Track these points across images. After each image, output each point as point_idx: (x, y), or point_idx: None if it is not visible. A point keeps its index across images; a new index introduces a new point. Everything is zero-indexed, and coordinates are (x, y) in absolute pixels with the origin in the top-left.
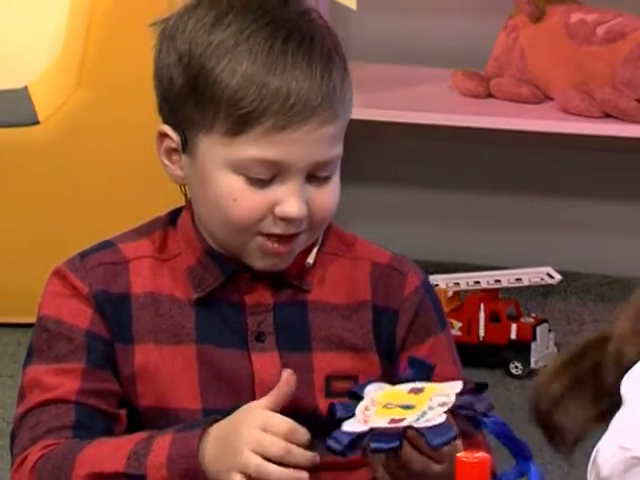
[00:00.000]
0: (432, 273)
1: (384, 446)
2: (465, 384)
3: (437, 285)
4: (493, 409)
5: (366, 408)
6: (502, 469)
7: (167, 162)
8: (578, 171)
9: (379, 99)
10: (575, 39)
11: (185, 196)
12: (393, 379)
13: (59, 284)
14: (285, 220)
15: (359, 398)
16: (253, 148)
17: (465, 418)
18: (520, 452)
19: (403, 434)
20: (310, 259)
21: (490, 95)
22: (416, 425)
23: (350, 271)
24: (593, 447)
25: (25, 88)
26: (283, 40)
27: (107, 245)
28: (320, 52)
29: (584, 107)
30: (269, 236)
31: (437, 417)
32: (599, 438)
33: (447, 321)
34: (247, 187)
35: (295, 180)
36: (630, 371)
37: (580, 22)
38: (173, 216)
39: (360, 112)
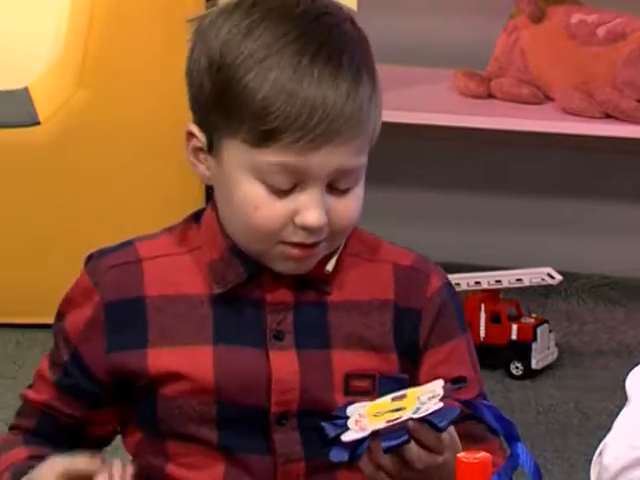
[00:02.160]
0: None
1: (394, 443)
2: (445, 381)
3: None
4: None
5: (357, 421)
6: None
7: (194, 160)
8: (579, 171)
9: None
10: (576, 40)
11: (210, 195)
12: (414, 380)
13: (80, 287)
14: (305, 229)
15: (342, 419)
16: (274, 159)
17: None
18: (509, 433)
19: (407, 428)
20: (329, 266)
21: (491, 95)
22: (417, 416)
23: (371, 273)
24: (591, 446)
25: (26, 89)
26: (312, 56)
27: (125, 244)
28: (348, 69)
29: (585, 107)
30: (290, 244)
31: (433, 406)
32: (597, 437)
33: (467, 325)
34: (268, 195)
35: (315, 189)
36: (635, 369)
37: (581, 23)
38: (197, 214)
39: None
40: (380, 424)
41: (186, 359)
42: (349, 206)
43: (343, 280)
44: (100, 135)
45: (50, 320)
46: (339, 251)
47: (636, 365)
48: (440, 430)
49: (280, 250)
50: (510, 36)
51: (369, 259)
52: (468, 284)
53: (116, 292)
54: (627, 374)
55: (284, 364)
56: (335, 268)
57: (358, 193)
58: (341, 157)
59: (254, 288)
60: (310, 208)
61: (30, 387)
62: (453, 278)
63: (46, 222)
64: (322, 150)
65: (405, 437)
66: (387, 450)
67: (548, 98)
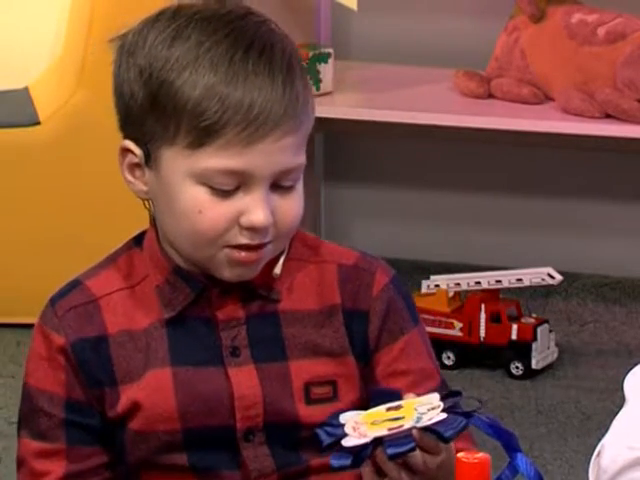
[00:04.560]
0: (433, 273)
1: (400, 450)
2: (441, 393)
3: (438, 285)
4: (481, 407)
5: (354, 428)
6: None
7: (130, 178)
8: (579, 171)
9: (379, 99)
10: (576, 40)
11: (149, 213)
12: (371, 381)
13: (40, 342)
14: (251, 230)
15: (336, 427)
16: (216, 159)
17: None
18: (510, 444)
19: (413, 436)
20: (277, 269)
21: (491, 95)
22: (421, 425)
23: (317, 276)
24: (591, 447)
25: (26, 89)
26: (244, 50)
27: (74, 285)
28: (281, 61)
29: (585, 108)
30: (235, 247)
31: (437, 416)
32: (597, 437)
33: (419, 315)
34: (211, 198)
35: (260, 189)
36: (633, 371)
37: (581, 23)
38: (139, 237)
39: (361, 112)
40: (382, 431)
41: (147, 388)
42: (293, 204)
43: (291, 285)
44: (100, 135)
45: None
46: (284, 255)
47: (637, 364)
48: (446, 440)
49: (226, 254)
50: (510, 36)
51: (313, 261)
52: (468, 284)
53: (79, 332)
54: (627, 374)
55: (244, 380)
56: (282, 273)
57: (300, 192)
58: (282, 156)
59: (204, 307)
60: (256, 208)
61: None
62: (453, 278)
63: (46, 222)
64: (264, 144)
65: (412, 444)
66: (392, 457)
67: (548, 98)
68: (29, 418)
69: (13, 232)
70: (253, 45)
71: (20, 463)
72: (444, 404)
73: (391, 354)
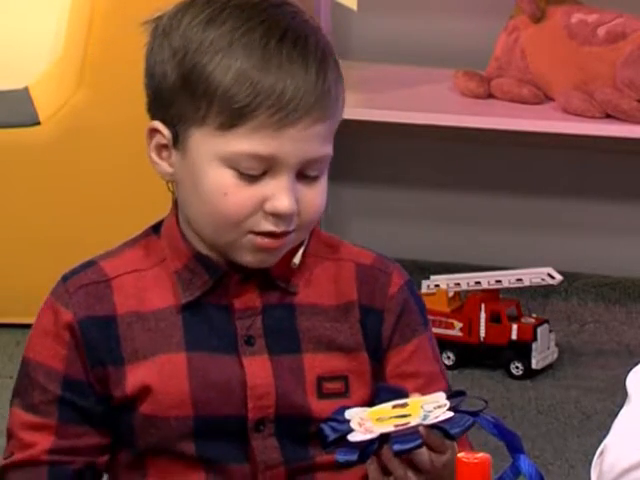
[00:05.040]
0: (433, 273)
1: (407, 446)
2: (446, 392)
3: (438, 285)
4: (487, 407)
5: (360, 424)
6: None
7: (156, 159)
8: (579, 171)
9: (380, 99)
10: (576, 39)
11: (172, 196)
12: (380, 379)
13: (47, 316)
14: (275, 216)
15: (341, 423)
16: (245, 142)
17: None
18: (513, 444)
19: (420, 433)
20: (296, 259)
21: (491, 95)
22: (428, 422)
23: (335, 272)
24: (591, 447)
25: (26, 89)
26: (279, 38)
27: (88, 264)
28: (315, 52)
29: (585, 108)
30: (259, 234)
31: (443, 414)
32: (597, 437)
33: (429, 320)
34: (238, 182)
35: (286, 176)
36: (635, 369)
37: (581, 22)
38: (156, 226)
39: (361, 112)
40: (388, 427)
41: (161, 372)
42: (317, 195)
43: (308, 280)
44: (100, 135)
45: None
46: (303, 247)
47: (637, 364)
48: (453, 438)
49: (249, 240)
50: (510, 36)
51: (331, 258)
52: (468, 284)
53: (88, 310)
54: (627, 374)
55: (258, 369)
56: (300, 267)
57: (324, 183)
58: (311, 144)
59: (221, 294)
60: (281, 194)
61: (10, 455)
62: (453, 278)
63: (46, 222)
64: (294, 130)
65: (419, 441)
66: (398, 453)
67: (548, 98)
68: (23, 390)
69: (13, 232)
70: (287, 34)
71: (9, 435)
72: (450, 403)
73: (401, 355)
